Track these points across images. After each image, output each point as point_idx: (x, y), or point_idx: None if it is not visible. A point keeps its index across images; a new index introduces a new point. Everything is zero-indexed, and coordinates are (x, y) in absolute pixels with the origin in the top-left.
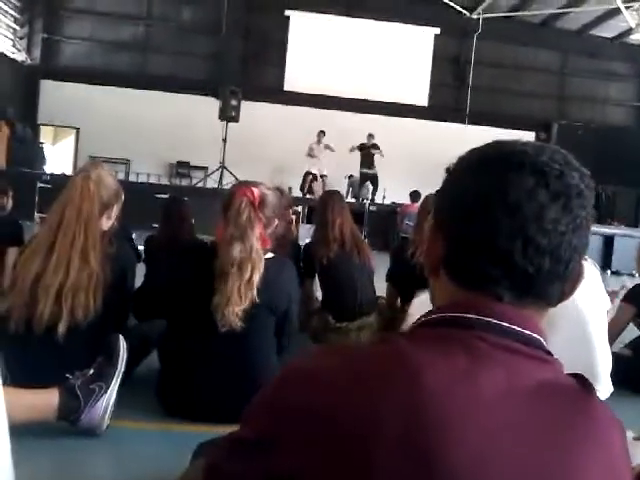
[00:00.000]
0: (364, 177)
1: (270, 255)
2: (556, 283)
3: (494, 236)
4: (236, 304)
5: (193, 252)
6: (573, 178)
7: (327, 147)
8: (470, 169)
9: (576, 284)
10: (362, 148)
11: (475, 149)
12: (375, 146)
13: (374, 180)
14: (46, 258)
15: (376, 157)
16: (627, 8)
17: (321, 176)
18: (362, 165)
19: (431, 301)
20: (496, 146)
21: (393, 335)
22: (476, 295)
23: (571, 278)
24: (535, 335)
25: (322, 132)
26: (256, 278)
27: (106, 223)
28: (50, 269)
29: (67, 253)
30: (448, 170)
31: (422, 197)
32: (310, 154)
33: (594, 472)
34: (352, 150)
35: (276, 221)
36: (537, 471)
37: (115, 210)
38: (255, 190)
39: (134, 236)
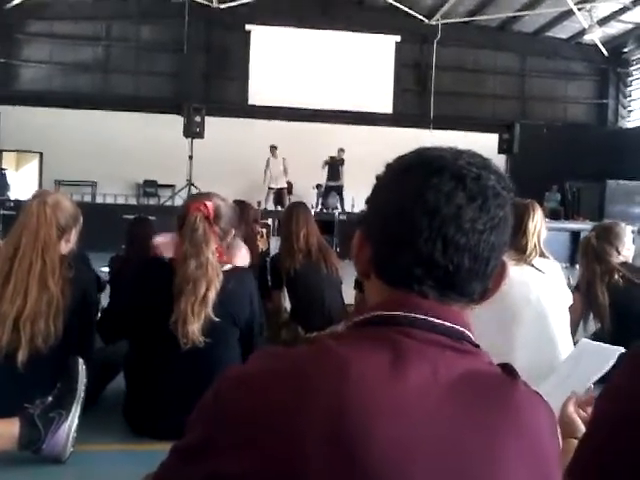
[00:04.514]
0: (329, 189)
1: (228, 267)
2: (477, 280)
3: (415, 238)
4: (190, 322)
5: (151, 270)
6: (490, 180)
7: (284, 166)
8: (393, 175)
9: (500, 281)
10: (332, 161)
11: (400, 157)
12: (342, 161)
13: (340, 191)
14: (3, 287)
15: (342, 170)
16: (579, 9)
17: (282, 189)
18: (328, 177)
19: (367, 303)
20: (417, 153)
21: (323, 337)
22: (403, 294)
23: (493, 275)
24: (460, 328)
25: (274, 147)
26: (211, 294)
27: (65, 247)
28: (7, 297)
29: (24, 280)
30: (377, 177)
31: None
32: (267, 169)
33: (517, 457)
34: (324, 167)
35: (232, 231)
36: (460, 461)
37: (74, 233)
38: (209, 203)
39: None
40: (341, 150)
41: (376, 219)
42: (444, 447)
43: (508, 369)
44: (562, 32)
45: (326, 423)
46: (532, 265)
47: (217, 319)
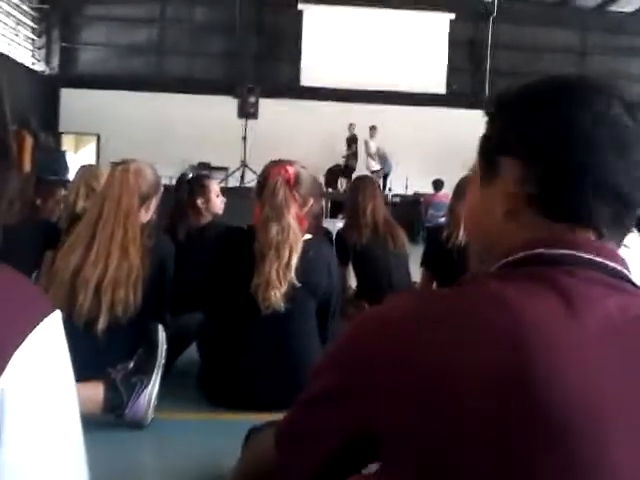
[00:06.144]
0: (345, 170)
1: (308, 236)
2: (635, 216)
3: (599, 164)
4: (275, 287)
5: (231, 238)
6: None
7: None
8: (553, 98)
9: None
10: (350, 141)
11: (548, 80)
12: (355, 138)
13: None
14: (85, 252)
15: (360, 149)
16: None
17: (377, 171)
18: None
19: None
20: (565, 79)
21: (479, 276)
22: (566, 229)
23: None
24: (621, 268)
25: (374, 127)
26: (294, 259)
27: (145, 215)
28: (89, 263)
29: (106, 247)
30: (507, 104)
31: (444, 185)
32: (368, 152)
33: None
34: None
35: (311, 200)
36: None
37: (154, 202)
38: (290, 168)
39: None
40: (351, 125)
41: (544, 145)
42: (628, 389)
43: None
44: (627, 5)
45: (500, 361)
46: None
47: (299, 284)
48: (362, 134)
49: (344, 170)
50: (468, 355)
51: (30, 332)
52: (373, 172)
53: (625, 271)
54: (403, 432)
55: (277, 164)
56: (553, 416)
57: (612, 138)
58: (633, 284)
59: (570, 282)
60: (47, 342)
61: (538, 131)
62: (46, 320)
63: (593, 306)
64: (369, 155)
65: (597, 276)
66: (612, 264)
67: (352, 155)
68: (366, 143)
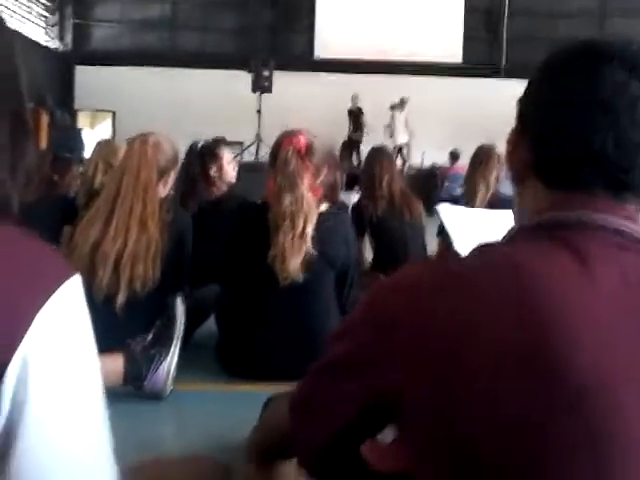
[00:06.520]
0: (349, 143)
1: (325, 207)
2: None
3: (586, 133)
4: (291, 257)
5: (246, 210)
6: None
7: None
8: (558, 69)
9: None
10: (351, 113)
11: (561, 50)
12: (360, 110)
13: (357, 147)
14: (104, 227)
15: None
16: None
17: (398, 148)
18: (353, 129)
19: (518, 213)
20: (582, 44)
21: (491, 243)
22: (573, 195)
23: None
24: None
25: (403, 100)
26: (309, 229)
27: (163, 190)
28: (109, 237)
29: (125, 222)
30: (535, 74)
31: (461, 156)
32: (393, 125)
33: None
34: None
35: (325, 169)
36: None
37: (172, 176)
38: (301, 138)
39: None
40: (355, 97)
41: (538, 115)
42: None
43: None
44: None
45: (515, 332)
46: None
47: (315, 254)
48: (372, 107)
49: (350, 144)
50: (483, 324)
51: (51, 295)
52: (395, 147)
53: None
54: (419, 405)
55: (289, 134)
56: (569, 385)
57: (600, 105)
58: None
59: (585, 242)
60: (69, 304)
61: (530, 102)
62: (67, 283)
63: (607, 266)
64: (394, 129)
65: (614, 238)
66: (631, 227)
67: (357, 128)
68: (392, 117)
